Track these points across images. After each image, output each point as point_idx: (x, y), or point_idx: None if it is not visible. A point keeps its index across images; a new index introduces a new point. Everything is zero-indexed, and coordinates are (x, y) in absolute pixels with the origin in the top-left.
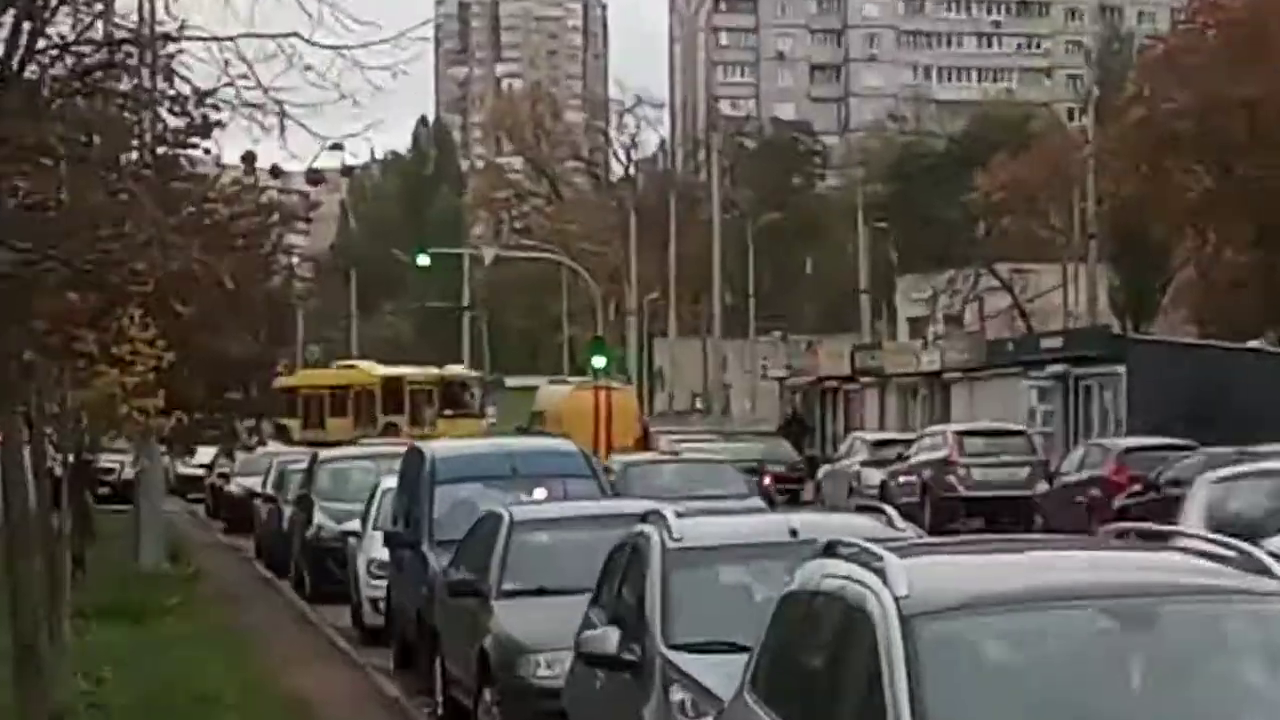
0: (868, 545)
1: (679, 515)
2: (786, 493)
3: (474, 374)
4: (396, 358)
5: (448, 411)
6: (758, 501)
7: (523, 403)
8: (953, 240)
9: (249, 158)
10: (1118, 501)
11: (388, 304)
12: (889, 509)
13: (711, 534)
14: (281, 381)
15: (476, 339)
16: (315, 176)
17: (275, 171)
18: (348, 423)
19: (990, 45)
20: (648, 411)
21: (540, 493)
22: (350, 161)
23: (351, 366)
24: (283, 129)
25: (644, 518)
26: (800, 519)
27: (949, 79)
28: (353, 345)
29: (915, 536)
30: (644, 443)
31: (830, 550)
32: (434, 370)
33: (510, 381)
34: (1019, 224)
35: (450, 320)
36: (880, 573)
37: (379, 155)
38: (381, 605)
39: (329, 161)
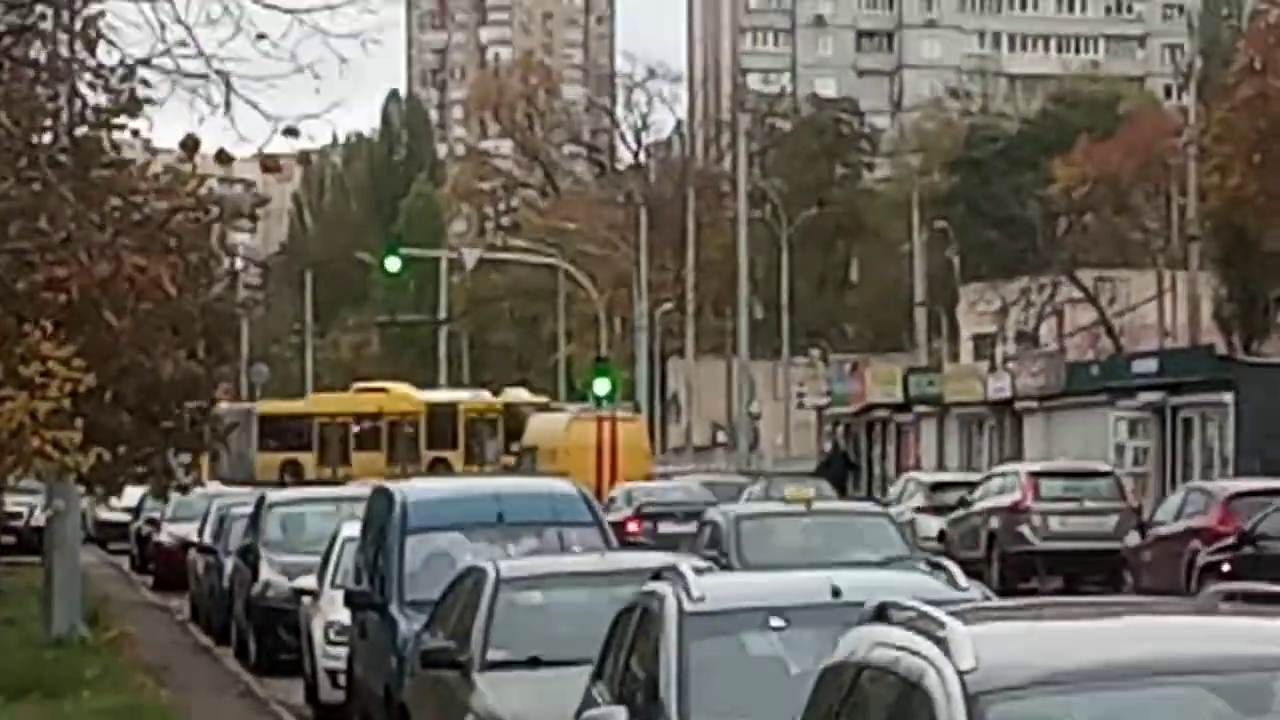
0: (926, 609)
1: (699, 571)
2: None
3: (538, 399)
4: (354, 382)
5: (515, 446)
6: (927, 582)
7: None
8: (1026, 242)
9: (188, 142)
10: (1203, 557)
11: (349, 316)
12: (950, 564)
13: (738, 594)
14: (286, 407)
15: (456, 359)
16: (270, 163)
17: (222, 158)
18: (378, 458)
19: (1072, 9)
20: (660, 446)
21: (532, 543)
22: (308, 146)
23: (379, 389)
24: (228, 107)
25: (657, 574)
26: (845, 577)
27: (1022, 49)
28: (307, 365)
29: (982, 598)
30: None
31: (881, 614)
32: (488, 395)
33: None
34: (1105, 223)
35: (424, 336)
36: (941, 642)
37: (342, 139)
38: (341, 678)
39: (282, 146)
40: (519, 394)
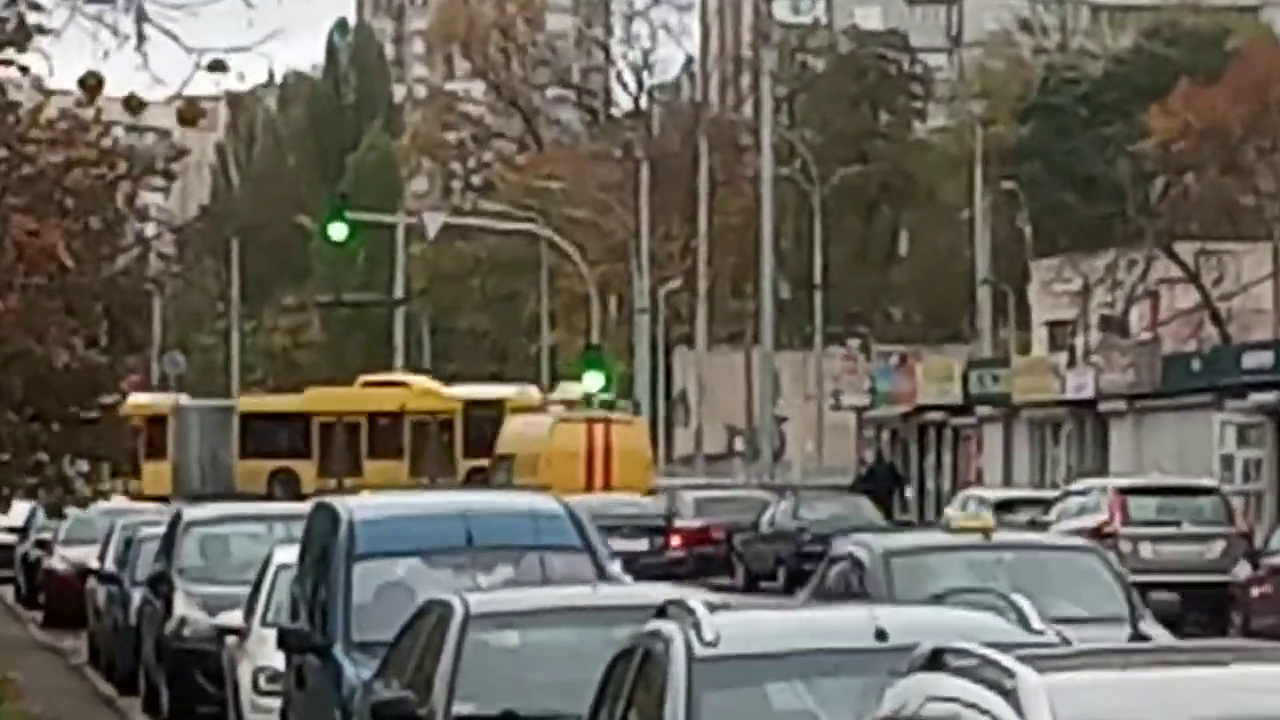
0: (990, 654)
1: (712, 608)
2: None
3: (610, 396)
4: (297, 375)
5: None
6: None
7: None
8: (1113, 208)
9: (90, 81)
10: None
11: (285, 294)
12: (1021, 600)
13: (761, 636)
14: (277, 404)
15: (414, 346)
16: (188, 112)
17: (132, 104)
18: (398, 467)
19: None
20: (664, 455)
21: (507, 572)
22: (237, 87)
23: (397, 383)
24: (141, 40)
25: (661, 610)
26: (890, 615)
27: None
28: (233, 353)
29: (1058, 641)
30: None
31: (936, 661)
32: (535, 391)
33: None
34: (1210, 185)
35: (377, 319)
36: (1010, 695)
37: (279, 79)
38: None
39: (205, 88)
40: (572, 389)
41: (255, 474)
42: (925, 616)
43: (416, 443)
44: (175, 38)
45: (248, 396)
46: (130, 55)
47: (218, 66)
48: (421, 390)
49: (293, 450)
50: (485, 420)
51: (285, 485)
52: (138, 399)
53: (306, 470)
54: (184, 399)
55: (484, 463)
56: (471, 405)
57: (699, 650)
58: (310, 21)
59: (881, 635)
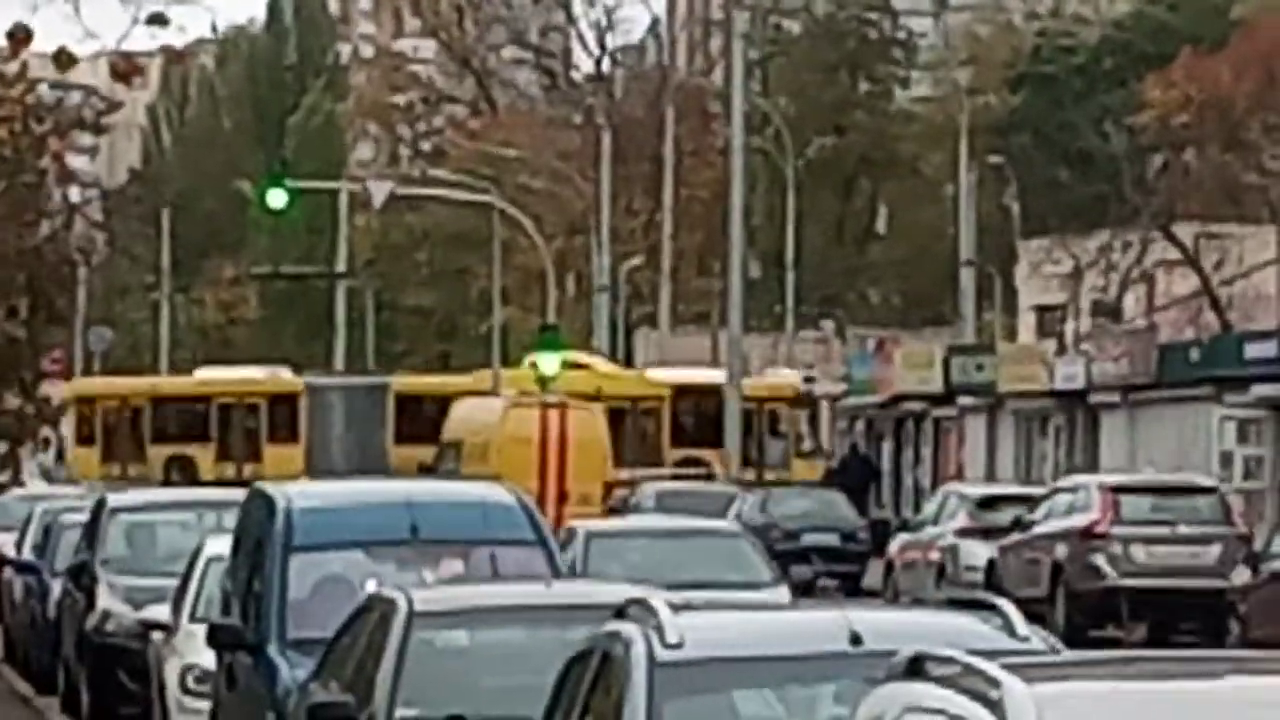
0: (974, 662)
1: (675, 608)
2: (841, 577)
3: (804, 386)
4: (227, 353)
5: (808, 446)
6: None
7: None
8: (1108, 186)
9: (17, 32)
10: None
11: (220, 266)
12: (1004, 603)
13: (727, 639)
14: (437, 384)
15: (356, 322)
16: (128, 65)
17: (62, 59)
18: None
19: None
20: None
21: (455, 567)
22: (173, 43)
23: (579, 365)
24: None
25: (621, 610)
26: (865, 618)
27: None
28: (162, 329)
29: (1045, 648)
30: (609, 494)
31: (915, 668)
32: (770, 378)
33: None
34: (1211, 162)
35: (317, 294)
36: (995, 705)
37: (217, 34)
38: None
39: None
40: (786, 376)
41: (413, 461)
42: (903, 620)
43: (614, 431)
44: None
45: (402, 376)
46: (61, 6)
47: (157, 20)
48: (612, 373)
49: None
50: (697, 408)
51: (450, 474)
52: (249, 374)
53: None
54: (315, 376)
55: (701, 453)
56: (682, 391)
57: (661, 653)
58: None
59: (856, 639)
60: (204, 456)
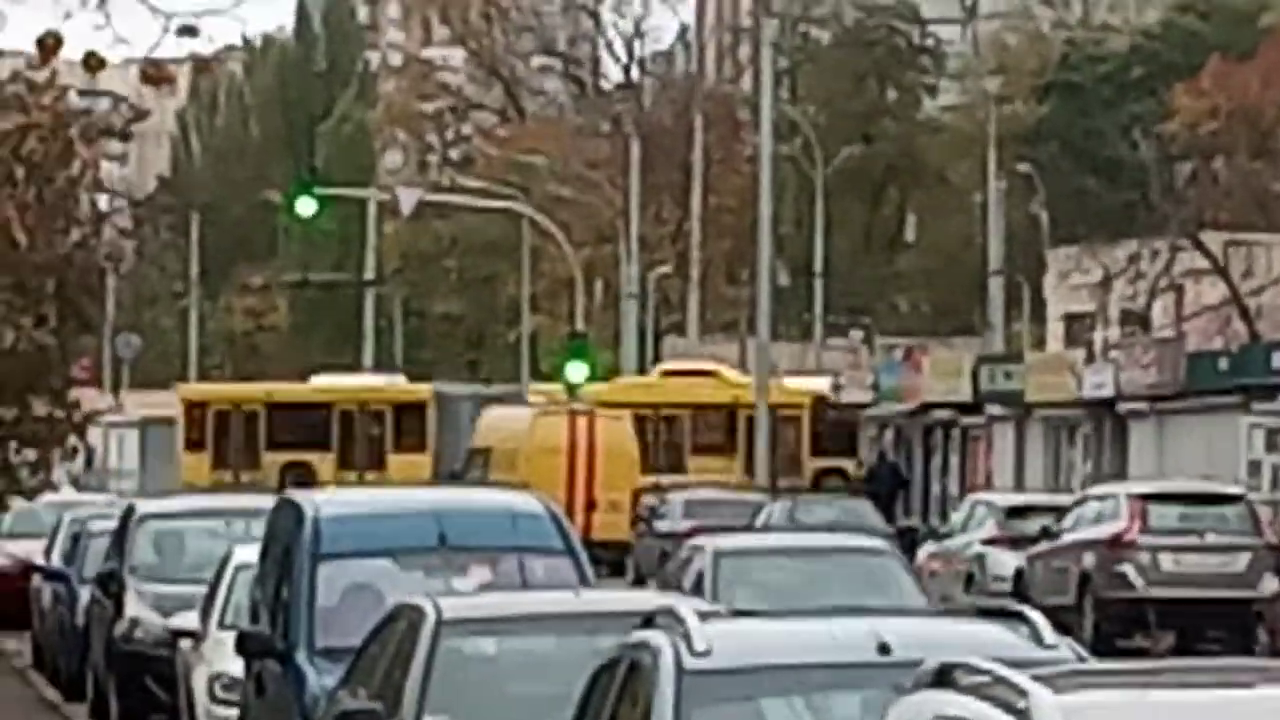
0: (1002, 671)
1: (704, 617)
2: None
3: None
4: (258, 362)
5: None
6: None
7: None
8: (1136, 194)
9: (48, 41)
10: None
11: (250, 274)
12: (1032, 613)
13: (755, 648)
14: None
15: (385, 330)
16: (153, 72)
17: (92, 63)
18: (728, 466)
19: None
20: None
21: (483, 575)
22: (203, 51)
23: (706, 373)
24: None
25: (649, 620)
26: (894, 627)
27: None
28: (190, 336)
29: (1074, 658)
30: (636, 503)
31: (944, 678)
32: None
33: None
34: (1240, 171)
35: (346, 301)
36: (1022, 714)
37: (245, 42)
38: None
39: (168, 50)
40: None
41: None
42: (930, 629)
43: (750, 441)
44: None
45: (538, 386)
46: (92, 15)
47: (188, 31)
48: (747, 382)
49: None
50: (836, 418)
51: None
52: (369, 381)
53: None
54: (444, 384)
55: (835, 464)
56: (822, 401)
57: (689, 662)
58: None
59: (884, 649)
60: (323, 464)
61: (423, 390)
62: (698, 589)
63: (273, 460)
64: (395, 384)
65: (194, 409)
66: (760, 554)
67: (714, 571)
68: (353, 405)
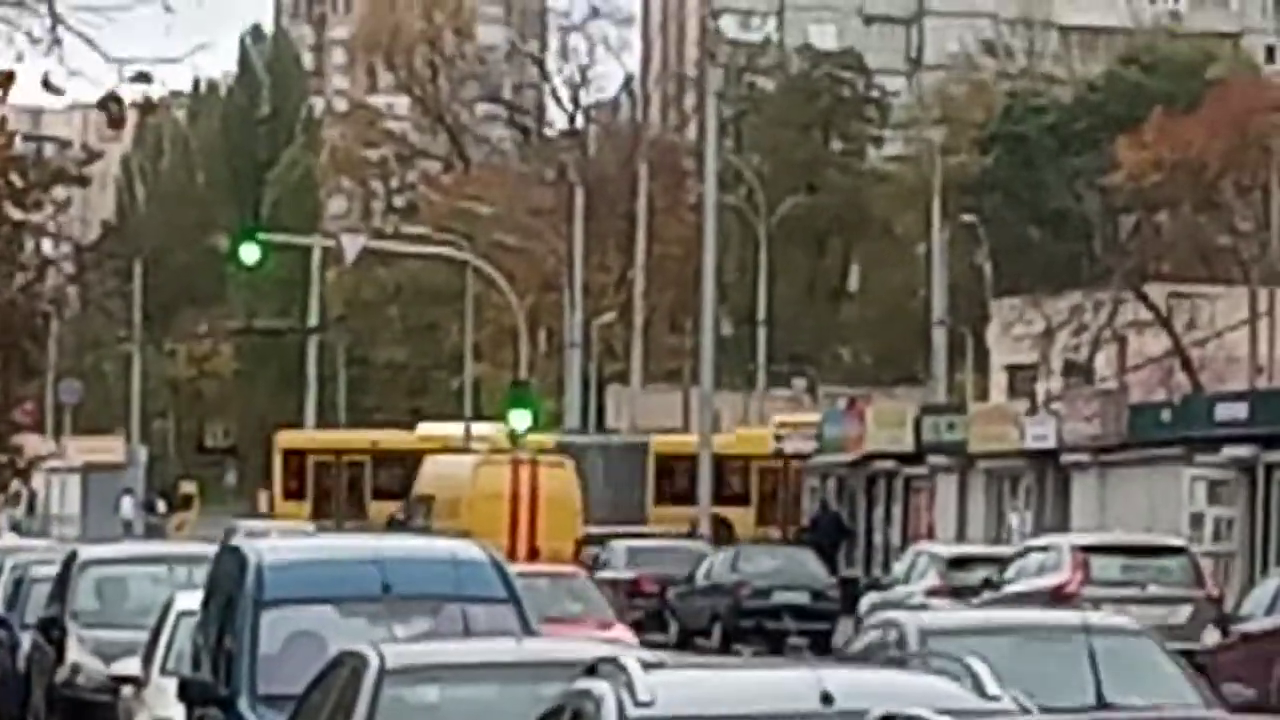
0: None
1: (647, 666)
2: (812, 634)
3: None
4: (202, 408)
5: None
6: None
7: None
8: (1080, 246)
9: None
10: None
11: (194, 320)
12: (976, 663)
13: (698, 697)
14: (694, 444)
15: (328, 379)
16: (114, 113)
17: (52, 87)
18: None
19: None
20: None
21: (426, 624)
22: (151, 97)
23: None
24: (56, 41)
25: (592, 668)
26: (837, 677)
27: None
28: (133, 382)
29: (1016, 709)
30: (579, 552)
31: None
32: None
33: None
34: (1184, 223)
35: (290, 348)
36: None
37: (189, 89)
38: None
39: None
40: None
41: (674, 521)
42: (874, 678)
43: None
44: (92, 43)
45: (661, 436)
46: (45, 60)
47: (142, 78)
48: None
49: (728, 497)
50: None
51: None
52: (478, 430)
53: (742, 518)
54: (566, 435)
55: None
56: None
57: (632, 711)
58: (221, 25)
59: (827, 699)
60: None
61: (544, 441)
62: None
63: (380, 510)
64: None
65: (292, 457)
66: (978, 632)
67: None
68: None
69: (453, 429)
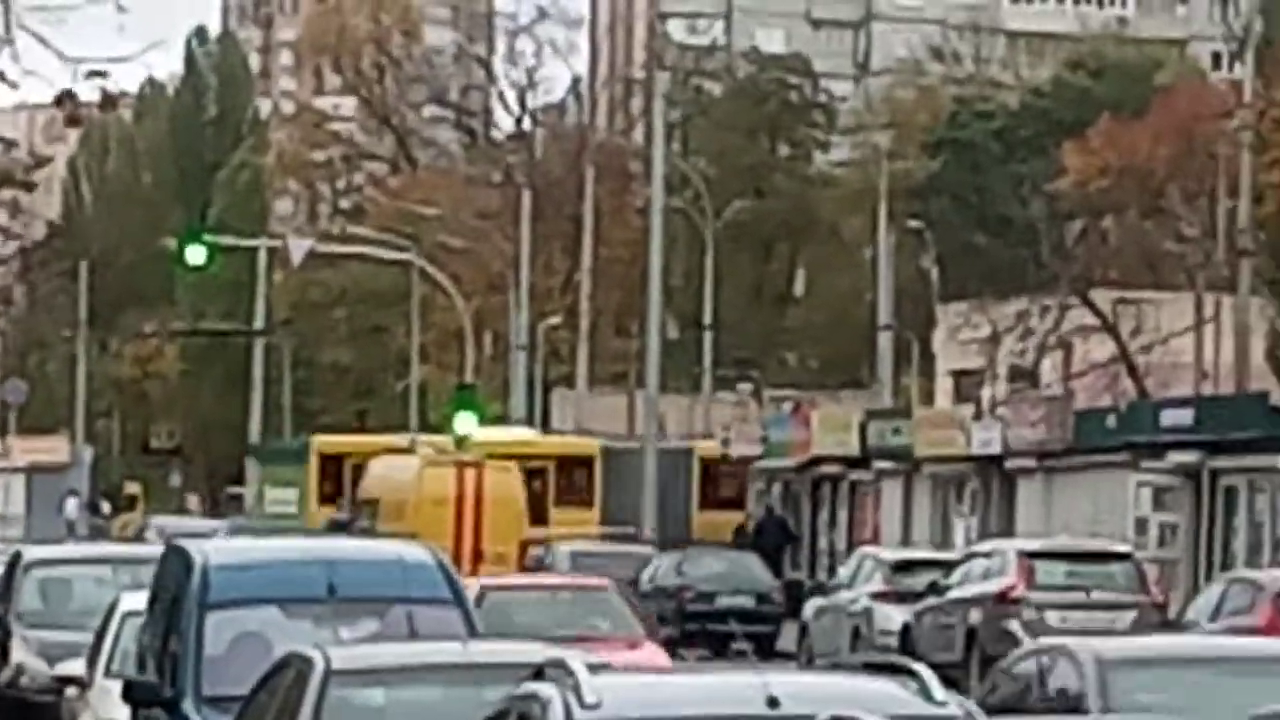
0: None
1: (594, 669)
2: (756, 639)
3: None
4: (146, 409)
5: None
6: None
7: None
8: (1026, 251)
9: None
10: None
11: (140, 321)
12: (920, 668)
13: (645, 700)
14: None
15: (274, 381)
16: (70, 111)
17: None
18: None
19: None
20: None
21: (372, 626)
22: (94, 97)
23: None
24: (8, 41)
25: (538, 671)
26: (783, 681)
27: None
28: (78, 382)
29: (961, 713)
30: (523, 555)
31: None
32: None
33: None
34: (1130, 229)
35: (236, 350)
36: None
37: (136, 90)
38: None
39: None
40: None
41: (719, 527)
42: (820, 683)
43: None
44: (45, 41)
45: (704, 441)
46: None
47: (97, 75)
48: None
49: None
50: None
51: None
52: (521, 434)
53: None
54: (611, 440)
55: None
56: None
57: (579, 714)
58: (169, 27)
59: (774, 703)
60: None
61: (590, 444)
62: (1070, 707)
63: None
64: (566, 439)
65: (328, 462)
66: (1168, 664)
67: (1099, 686)
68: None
69: (495, 433)
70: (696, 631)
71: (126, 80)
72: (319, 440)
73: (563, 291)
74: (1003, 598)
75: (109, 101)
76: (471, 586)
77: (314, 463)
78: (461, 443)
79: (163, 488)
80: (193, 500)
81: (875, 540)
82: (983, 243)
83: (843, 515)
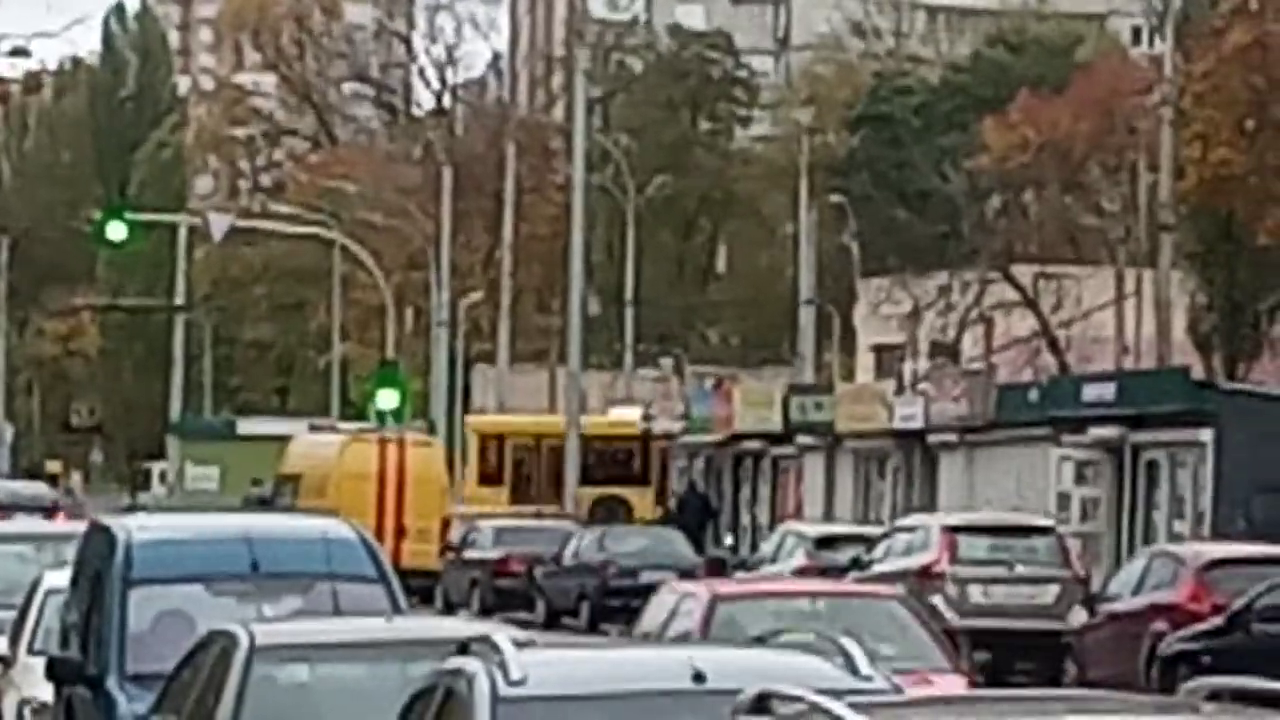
0: (820, 700)
1: (520, 645)
2: None
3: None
4: (67, 386)
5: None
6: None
7: (262, 460)
8: (947, 226)
9: None
10: (1170, 643)
11: (60, 298)
12: (847, 641)
13: (571, 675)
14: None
15: (195, 358)
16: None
17: None
18: None
19: None
20: (462, 478)
21: (295, 602)
22: (17, 74)
23: None
24: None
25: (464, 646)
26: (709, 657)
27: None
28: None
29: (889, 688)
30: (445, 531)
31: (760, 706)
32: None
33: (246, 427)
34: (1050, 204)
35: (157, 327)
36: None
37: (53, 66)
38: None
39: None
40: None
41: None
42: (746, 658)
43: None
44: None
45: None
46: None
47: (20, 53)
48: None
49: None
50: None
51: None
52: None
53: (641, 498)
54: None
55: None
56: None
57: (504, 690)
58: (89, 2)
59: (699, 677)
60: (640, 499)
61: (632, 424)
62: None
63: (584, 495)
64: (620, 415)
65: (488, 441)
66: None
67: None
68: (669, 440)
69: (633, 413)
70: (619, 607)
71: (48, 57)
72: (475, 421)
73: (484, 268)
74: (926, 573)
75: (33, 82)
76: (700, 598)
77: (473, 442)
78: (383, 418)
79: (84, 466)
80: (76, 478)
81: (798, 515)
82: (903, 218)
83: (765, 491)
